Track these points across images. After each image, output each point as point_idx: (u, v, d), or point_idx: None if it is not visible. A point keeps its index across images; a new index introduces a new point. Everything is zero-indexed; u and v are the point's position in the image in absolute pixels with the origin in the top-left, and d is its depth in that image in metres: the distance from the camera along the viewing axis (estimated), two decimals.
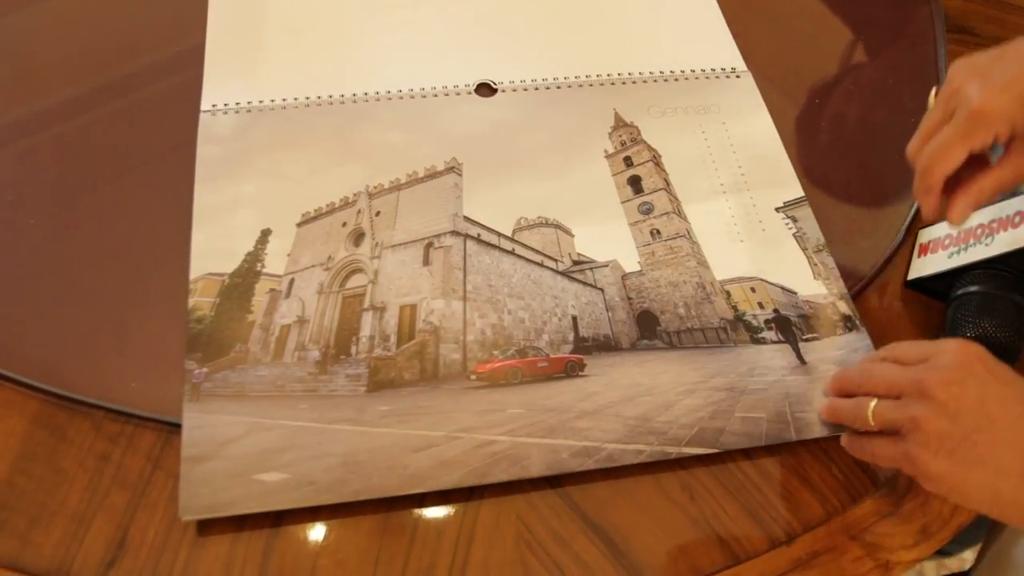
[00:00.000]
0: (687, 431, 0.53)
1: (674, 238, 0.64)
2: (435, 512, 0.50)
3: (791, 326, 0.59)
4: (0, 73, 0.69)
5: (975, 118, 0.48)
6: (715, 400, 0.55)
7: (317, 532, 0.49)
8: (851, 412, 0.48)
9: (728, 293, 0.61)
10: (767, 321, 0.60)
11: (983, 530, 0.61)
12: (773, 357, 0.58)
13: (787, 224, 0.64)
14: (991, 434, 0.42)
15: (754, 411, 0.54)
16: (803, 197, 0.66)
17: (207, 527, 0.48)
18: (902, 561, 0.50)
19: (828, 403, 0.51)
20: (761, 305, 0.61)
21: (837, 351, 0.58)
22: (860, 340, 0.58)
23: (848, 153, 0.71)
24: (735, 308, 0.61)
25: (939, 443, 0.43)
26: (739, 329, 0.60)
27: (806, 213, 0.65)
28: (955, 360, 0.44)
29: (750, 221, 0.65)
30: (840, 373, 0.51)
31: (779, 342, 0.59)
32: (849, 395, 0.49)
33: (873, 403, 0.47)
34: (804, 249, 0.63)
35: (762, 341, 0.59)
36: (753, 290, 0.61)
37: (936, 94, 0.54)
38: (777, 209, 0.65)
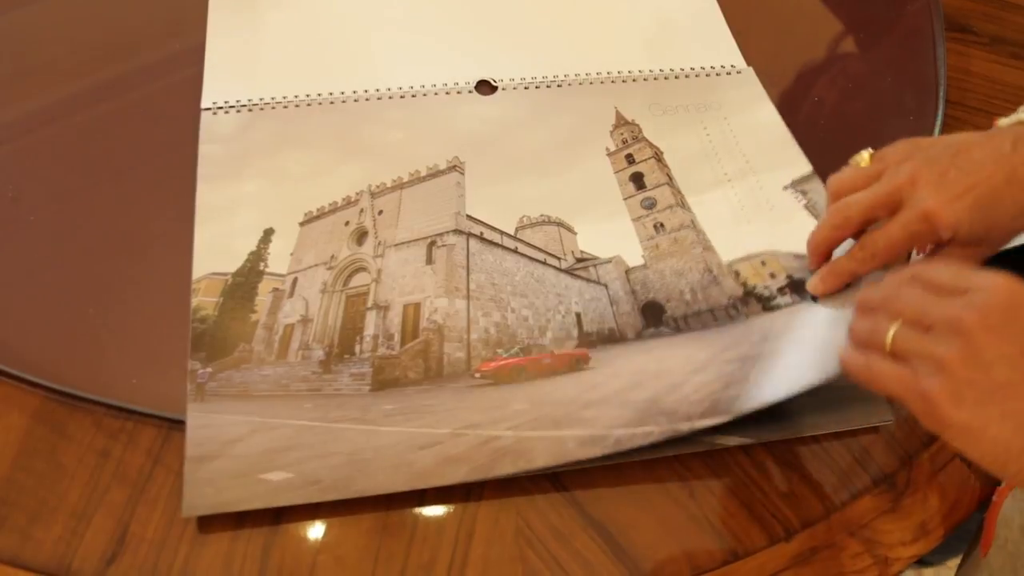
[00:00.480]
0: (699, 405, 0.52)
1: (678, 229, 0.63)
2: (435, 509, 0.50)
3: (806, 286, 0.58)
4: (1, 70, 0.70)
5: (926, 221, 0.47)
6: (727, 372, 0.54)
7: (317, 529, 0.49)
8: (866, 330, 0.43)
9: (737, 272, 0.61)
10: (780, 288, 0.59)
11: (965, 543, 0.61)
12: (789, 319, 0.57)
13: (797, 198, 0.64)
14: None
15: (772, 369, 0.53)
16: (812, 172, 0.65)
17: (207, 524, 0.48)
18: (900, 557, 0.50)
19: (848, 330, 0.46)
20: (773, 275, 0.60)
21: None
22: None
23: (846, 151, 0.71)
24: (744, 284, 0.60)
25: (964, 391, 0.38)
26: (750, 303, 0.59)
27: (816, 186, 0.64)
28: (1001, 301, 0.39)
29: (757, 203, 0.64)
30: (865, 293, 0.46)
31: (794, 303, 0.58)
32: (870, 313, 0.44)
33: (895, 327, 0.41)
34: (817, 216, 0.63)
35: (775, 308, 0.58)
36: (763, 263, 0.60)
37: (871, 157, 0.53)
38: (785, 188, 0.65)
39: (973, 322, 0.38)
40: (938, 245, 0.49)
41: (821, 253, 0.54)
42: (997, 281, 0.39)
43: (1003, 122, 0.53)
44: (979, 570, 0.55)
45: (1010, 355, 0.38)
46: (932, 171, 0.48)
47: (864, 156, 0.54)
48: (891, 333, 0.41)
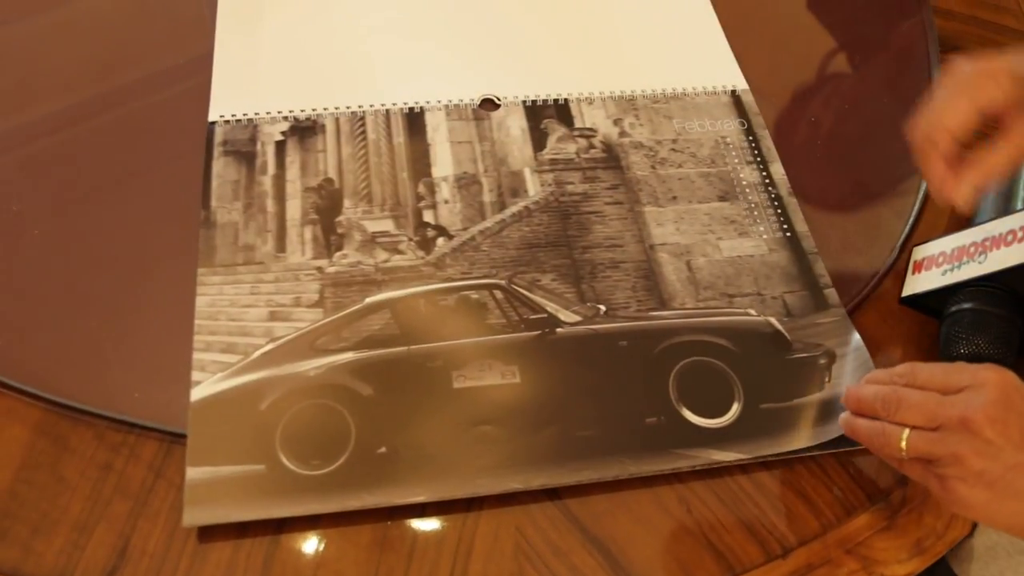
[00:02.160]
0: None
1: None
2: (434, 524, 0.51)
3: None
4: (5, 82, 0.70)
5: (981, 73, 0.48)
6: None
7: (317, 542, 0.49)
8: (879, 438, 0.47)
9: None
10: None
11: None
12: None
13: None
14: None
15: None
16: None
17: (208, 537, 0.48)
18: (896, 575, 0.51)
19: (847, 420, 0.50)
20: None
21: None
22: None
23: (843, 170, 0.72)
24: None
25: (979, 477, 0.43)
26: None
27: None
28: (998, 395, 0.44)
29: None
30: (858, 392, 0.49)
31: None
32: (872, 418, 0.48)
33: (906, 432, 0.46)
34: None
35: None
36: None
37: None
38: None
39: (982, 419, 0.43)
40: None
41: (943, 154, 0.51)
42: (990, 376, 0.45)
43: None
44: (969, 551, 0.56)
45: (1014, 439, 0.43)
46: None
47: None
48: (904, 440, 0.46)
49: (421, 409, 0.54)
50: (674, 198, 0.68)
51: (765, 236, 0.66)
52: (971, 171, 0.49)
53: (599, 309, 0.60)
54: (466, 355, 0.56)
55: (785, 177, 0.69)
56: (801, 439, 0.55)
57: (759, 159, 0.70)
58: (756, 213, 0.67)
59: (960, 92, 0.48)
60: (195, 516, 0.48)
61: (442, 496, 0.50)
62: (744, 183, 0.69)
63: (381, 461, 0.51)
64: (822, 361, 0.59)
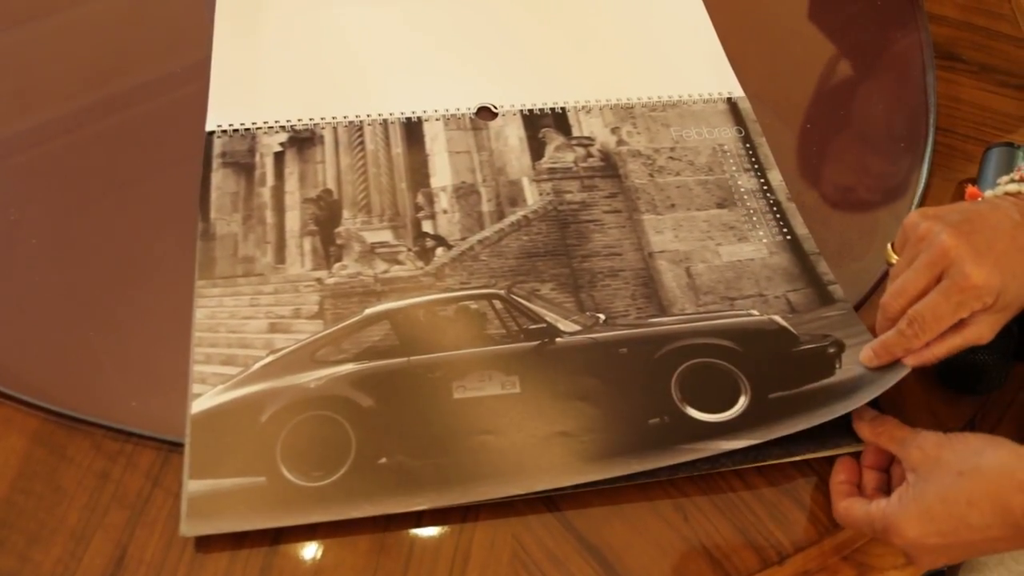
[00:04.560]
0: None
1: None
2: (431, 531, 0.51)
3: None
4: (2, 90, 0.70)
5: (971, 292, 0.48)
6: None
7: (315, 551, 0.49)
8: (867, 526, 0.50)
9: None
10: None
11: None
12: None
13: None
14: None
15: None
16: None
17: (205, 545, 0.49)
18: None
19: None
20: None
21: None
22: None
23: (839, 175, 0.72)
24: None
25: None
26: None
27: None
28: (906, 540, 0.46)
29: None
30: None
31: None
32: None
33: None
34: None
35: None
36: None
37: (892, 248, 0.55)
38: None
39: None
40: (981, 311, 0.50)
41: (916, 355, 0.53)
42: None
43: (989, 194, 0.55)
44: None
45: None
46: (959, 238, 0.49)
47: (889, 251, 0.56)
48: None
49: (421, 420, 0.54)
50: (672, 206, 0.68)
51: (765, 240, 0.66)
52: (879, 346, 0.53)
53: (598, 318, 0.60)
54: (466, 366, 0.57)
55: (783, 183, 0.69)
56: (816, 418, 0.53)
57: (756, 167, 0.71)
58: (755, 219, 0.67)
59: (949, 313, 0.49)
60: (193, 527, 0.48)
61: (442, 504, 0.50)
62: (742, 190, 0.69)
63: (382, 471, 0.51)
64: (831, 350, 0.58)
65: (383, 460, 0.52)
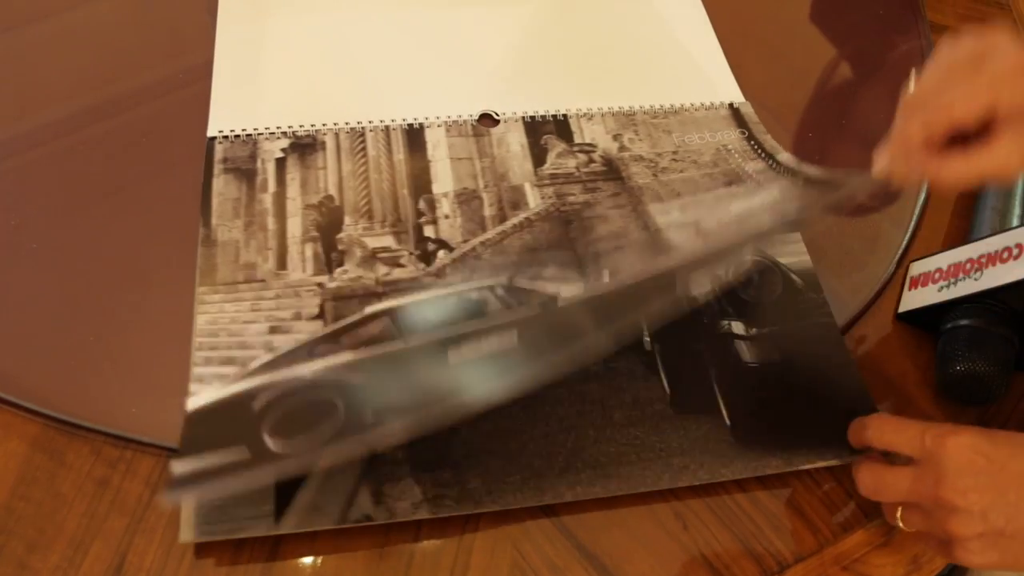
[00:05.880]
0: None
1: None
2: (431, 540, 0.51)
3: None
4: (2, 93, 0.70)
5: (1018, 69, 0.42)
6: None
7: (314, 558, 0.49)
8: (884, 509, 0.51)
9: None
10: None
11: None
12: None
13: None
14: (1020, 519, 0.44)
15: None
16: None
17: (204, 553, 0.49)
18: None
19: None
20: None
21: None
22: None
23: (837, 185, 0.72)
24: None
25: (980, 543, 0.45)
26: None
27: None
28: (957, 464, 0.45)
29: None
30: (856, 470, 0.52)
31: None
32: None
33: (899, 511, 0.49)
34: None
35: None
36: None
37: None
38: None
39: (950, 494, 0.44)
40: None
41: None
42: (945, 447, 0.45)
43: None
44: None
45: (993, 501, 0.44)
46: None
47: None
48: (899, 516, 0.49)
49: (413, 383, 0.54)
50: (678, 195, 0.68)
51: (777, 193, 0.68)
52: (963, 164, 0.44)
53: (603, 274, 0.61)
54: (464, 336, 0.57)
55: (793, 157, 0.70)
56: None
57: (764, 154, 0.71)
58: (767, 185, 0.69)
59: (983, 85, 0.42)
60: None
61: (421, 432, 0.50)
62: (750, 171, 0.70)
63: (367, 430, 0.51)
64: None
65: (370, 422, 0.51)
